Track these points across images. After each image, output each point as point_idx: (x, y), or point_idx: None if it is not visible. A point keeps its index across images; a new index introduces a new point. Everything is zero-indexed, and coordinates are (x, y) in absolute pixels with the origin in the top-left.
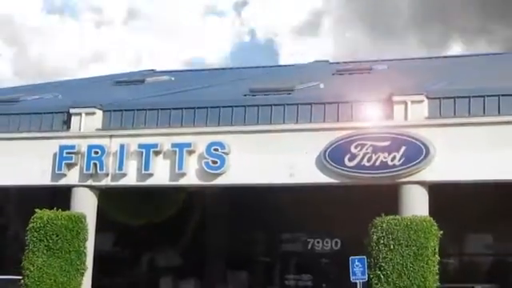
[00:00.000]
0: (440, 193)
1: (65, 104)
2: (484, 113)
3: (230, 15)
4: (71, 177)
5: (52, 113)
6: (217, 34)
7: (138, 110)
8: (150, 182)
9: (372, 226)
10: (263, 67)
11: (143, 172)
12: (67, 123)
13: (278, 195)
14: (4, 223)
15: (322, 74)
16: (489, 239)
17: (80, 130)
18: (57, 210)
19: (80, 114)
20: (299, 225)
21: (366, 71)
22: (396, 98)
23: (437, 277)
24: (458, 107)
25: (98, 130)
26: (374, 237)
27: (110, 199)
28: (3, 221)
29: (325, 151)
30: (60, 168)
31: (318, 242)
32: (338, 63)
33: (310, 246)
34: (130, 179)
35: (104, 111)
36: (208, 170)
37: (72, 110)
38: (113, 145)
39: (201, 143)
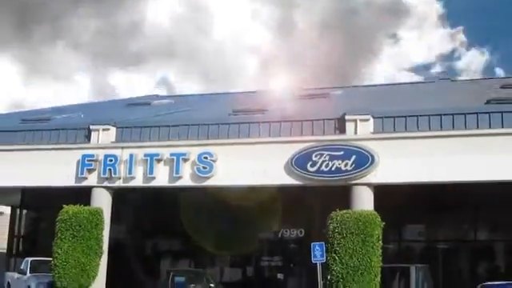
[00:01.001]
0: (382, 192)
1: (86, 122)
2: (418, 129)
3: None
4: (91, 179)
5: (76, 129)
6: None
7: (144, 127)
8: (153, 183)
9: (329, 219)
10: (243, 92)
11: (148, 176)
12: (88, 137)
13: (254, 194)
14: (38, 216)
15: (290, 97)
16: (421, 228)
17: (98, 142)
18: (80, 205)
19: (98, 129)
20: (272, 217)
21: (323, 96)
22: (348, 117)
23: (380, 258)
24: (397, 124)
25: (112, 142)
26: (331, 227)
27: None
28: (38, 214)
29: (291, 159)
30: (82, 172)
31: (287, 231)
32: (302, 89)
33: (280, 234)
34: (138, 181)
35: (117, 128)
36: (199, 174)
37: (92, 127)
38: (124, 154)
39: (193, 153)
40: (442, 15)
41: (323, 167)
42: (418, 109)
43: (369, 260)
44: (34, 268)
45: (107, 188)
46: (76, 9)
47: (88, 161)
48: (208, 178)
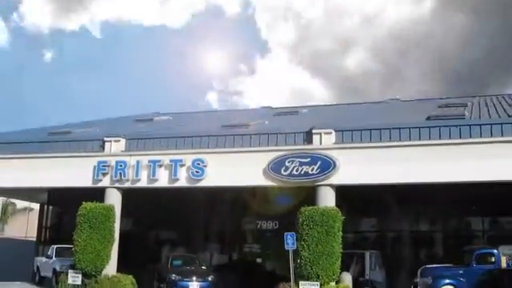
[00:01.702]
0: (342, 191)
1: (101, 134)
2: (371, 140)
3: None
4: (105, 181)
5: (92, 140)
6: None
7: (148, 138)
8: (155, 184)
9: (299, 213)
10: (230, 110)
11: (151, 178)
12: (102, 147)
13: (238, 193)
14: (62, 211)
15: (267, 115)
16: (374, 221)
17: (110, 151)
18: (95, 202)
19: (111, 140)
20: (252, 212)
21: (294, 113)
22: (314, 131)
23: (340, 246)
24: (354, 137)
25: (122, 151)
26: (300, 220)
27: None
28: (62, 209)
29: (268, 165)
30: (98, 176)
31: (264, 223)
32: (277, 108)
33: (259, 226)
34: (143, 183)
35: (126, 139)
36: (193, 177)
37: (105, 138)
38: (132, 161)
39: (188, 159)
40: None
41: (294, 171)
42: (371, 124)
43: (331, 247)
44: (59, 253)
45: (118, 188)
46: None
47: (102, 166)
48: (200, 180)
